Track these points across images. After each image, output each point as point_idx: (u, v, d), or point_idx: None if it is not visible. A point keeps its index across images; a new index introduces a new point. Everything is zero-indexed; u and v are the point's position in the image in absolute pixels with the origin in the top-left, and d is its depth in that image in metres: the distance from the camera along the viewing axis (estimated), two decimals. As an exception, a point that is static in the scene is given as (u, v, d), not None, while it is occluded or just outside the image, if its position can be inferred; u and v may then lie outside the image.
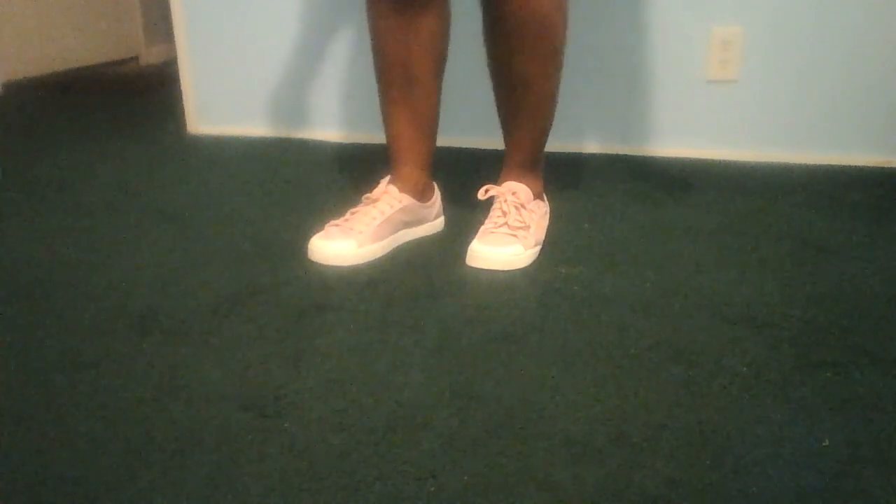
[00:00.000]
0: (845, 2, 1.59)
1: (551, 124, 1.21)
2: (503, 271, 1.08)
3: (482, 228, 1.15)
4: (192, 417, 0.72)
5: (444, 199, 1.31)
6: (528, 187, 1.19)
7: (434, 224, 1.25)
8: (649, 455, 0.67)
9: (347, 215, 1.15)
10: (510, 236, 1.10)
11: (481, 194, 1.17)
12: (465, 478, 0.64)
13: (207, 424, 0.71)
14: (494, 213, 1.16)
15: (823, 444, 0.69)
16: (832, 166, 1.66)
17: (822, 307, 0.96)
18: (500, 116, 1.20)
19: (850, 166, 1.66)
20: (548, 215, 1.24)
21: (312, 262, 1.10)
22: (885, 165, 1.67)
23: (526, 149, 1.20)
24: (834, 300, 0.98)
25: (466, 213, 1.30)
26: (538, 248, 1.14)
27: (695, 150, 1.75)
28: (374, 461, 0.66)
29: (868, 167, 1.65)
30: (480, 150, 1.77)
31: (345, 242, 1.09)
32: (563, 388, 0.77)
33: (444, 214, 1.28)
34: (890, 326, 0.91)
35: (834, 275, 1.06)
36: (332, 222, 1.14)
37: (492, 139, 1.81)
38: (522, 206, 1.15)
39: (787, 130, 1.70)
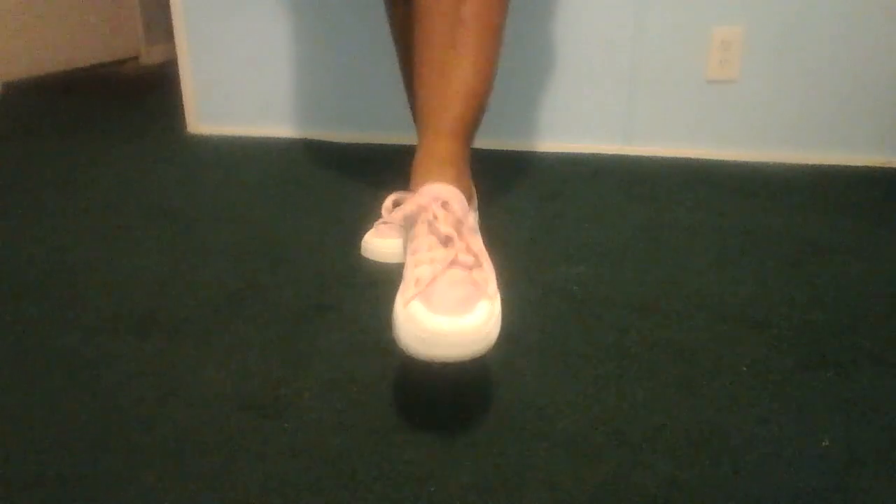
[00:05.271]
0: (845, 2, 1.59)
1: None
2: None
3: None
4: (192, 417, 0.72)
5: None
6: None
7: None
8: (649, 455, 0.67)
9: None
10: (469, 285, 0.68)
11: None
12: (465, 478, 0.64)
13: (207, 424, 0.71)
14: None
15: (823, 444, 0.68)
16: (832, 166, 1.66)
17: (822, 307, 0.96)
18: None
19: (850, 166, 1.66)
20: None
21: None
22: (886, 165, 1.67)
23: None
24: (834, 300, 0.98)
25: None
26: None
27: (695, 150, 1.75)
28: (374, 461, 0.66)
29: (868, 167, 1.65)
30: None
31: (397, 240, 1.09)
32: (563, 388, 0.77)
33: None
34: (890, 326, 0.91)
35: (834, 275, 1.06)
36: (382, 220, 1.12)
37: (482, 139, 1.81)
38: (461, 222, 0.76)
39: (787, 131, 1.70)
